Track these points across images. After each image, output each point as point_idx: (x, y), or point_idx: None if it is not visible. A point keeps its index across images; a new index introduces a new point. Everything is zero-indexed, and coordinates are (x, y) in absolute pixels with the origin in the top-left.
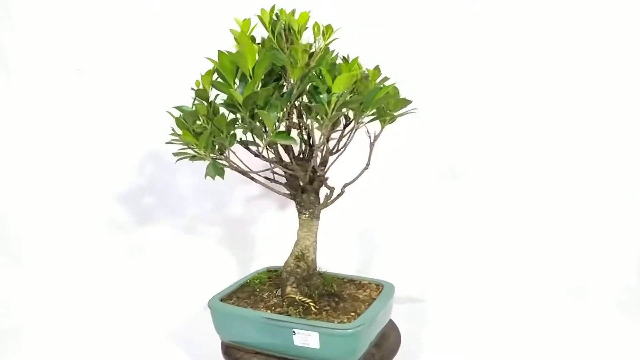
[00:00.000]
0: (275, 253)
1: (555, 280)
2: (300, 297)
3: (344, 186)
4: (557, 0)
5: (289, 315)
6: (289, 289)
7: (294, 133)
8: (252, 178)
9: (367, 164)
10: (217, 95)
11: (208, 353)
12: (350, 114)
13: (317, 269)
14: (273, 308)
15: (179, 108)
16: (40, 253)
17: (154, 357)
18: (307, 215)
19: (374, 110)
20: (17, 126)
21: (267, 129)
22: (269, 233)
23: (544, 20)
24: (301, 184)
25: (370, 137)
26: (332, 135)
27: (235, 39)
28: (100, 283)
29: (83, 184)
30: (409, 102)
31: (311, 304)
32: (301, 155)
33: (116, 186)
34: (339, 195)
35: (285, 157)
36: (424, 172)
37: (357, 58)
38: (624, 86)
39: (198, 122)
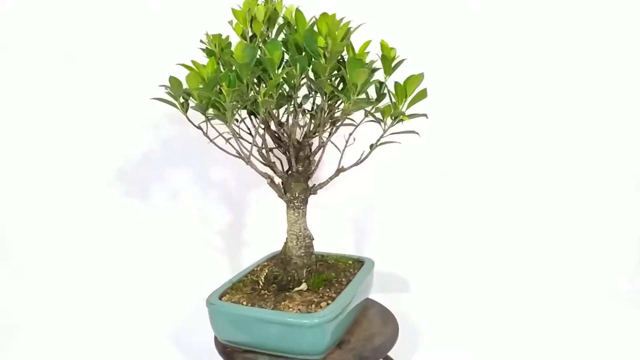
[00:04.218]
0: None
1: (551, 272)
2: (260, 274)
3: (318, 186)
4: (555, 2)
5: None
6: (266, 263)
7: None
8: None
9: (341, 168)
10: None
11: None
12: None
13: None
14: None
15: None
16: (32, 247)
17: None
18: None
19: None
20: (7, 117)
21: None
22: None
23: (542, 21)
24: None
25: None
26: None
27: None
28: (92, 276)
29: (75, 177)
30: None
31: (261, 282)
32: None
33: (109, 176)
34: (310, 192)
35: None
36: (421, 169)
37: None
38: (621, 85)
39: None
